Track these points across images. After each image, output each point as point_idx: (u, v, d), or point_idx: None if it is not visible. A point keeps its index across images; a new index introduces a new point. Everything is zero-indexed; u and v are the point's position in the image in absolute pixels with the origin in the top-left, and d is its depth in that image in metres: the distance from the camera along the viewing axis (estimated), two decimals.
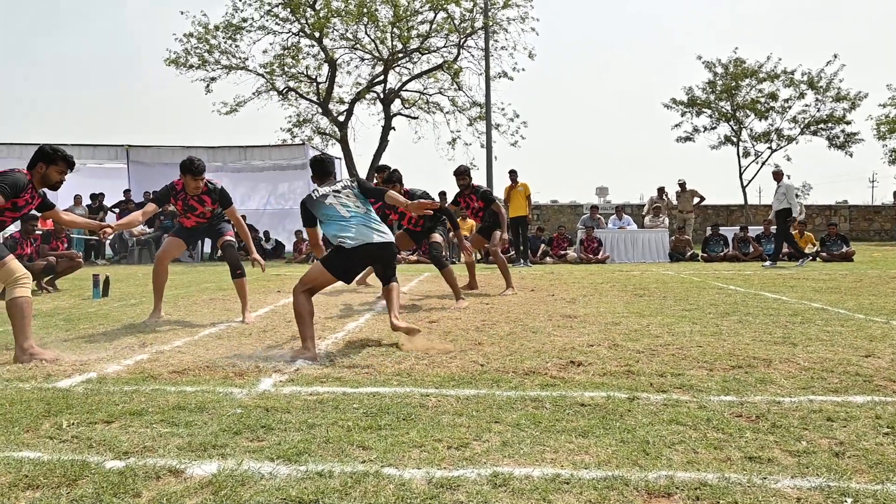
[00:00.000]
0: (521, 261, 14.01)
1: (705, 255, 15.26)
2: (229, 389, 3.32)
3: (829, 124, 26.39)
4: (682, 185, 17.26)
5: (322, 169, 4.87)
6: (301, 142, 21.06)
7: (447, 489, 2.08)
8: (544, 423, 2.70)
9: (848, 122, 26.27)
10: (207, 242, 18.35)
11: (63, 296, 8.22)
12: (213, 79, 21.32)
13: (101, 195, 17.66)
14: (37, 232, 9.20)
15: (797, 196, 15.43)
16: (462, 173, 8.21)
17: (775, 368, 3.68)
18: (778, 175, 13.51)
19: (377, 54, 21.59)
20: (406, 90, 22.63)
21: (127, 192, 17.67)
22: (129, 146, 18.47)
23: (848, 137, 26.48)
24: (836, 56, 25.92)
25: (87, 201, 17.46)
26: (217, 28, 20.82)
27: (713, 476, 2.14)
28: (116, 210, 17.64)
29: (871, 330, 4.94)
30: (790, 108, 26.60)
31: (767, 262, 13.07)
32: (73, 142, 18.44)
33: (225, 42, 21.03)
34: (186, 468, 2.28)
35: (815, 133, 26.74)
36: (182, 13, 21.03)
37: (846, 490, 2.04)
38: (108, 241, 17.31)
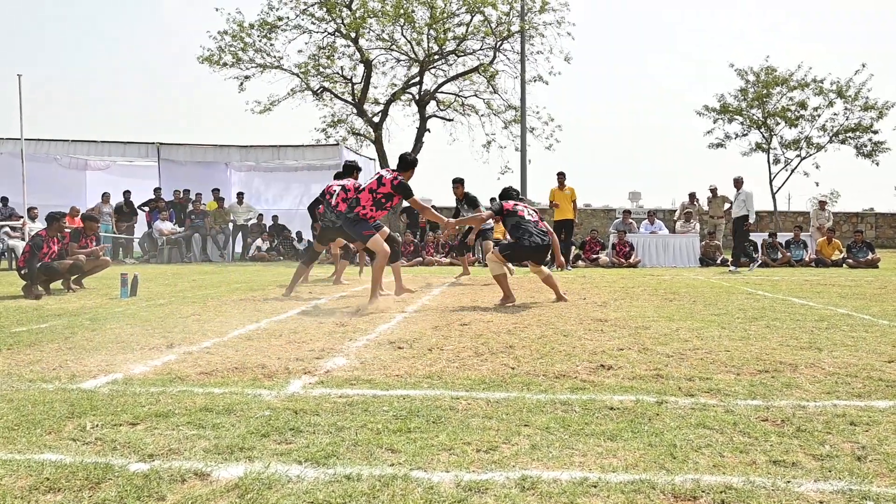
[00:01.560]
0: (566, 265, 13.88)
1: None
2: (258, 391, 3.33)
3: (857, 133, 26.51)
4: (714, 190, 17.17)
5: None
6: (335, 142, 21.00)
7: (475, 492, 2.10)
8: (573, 426, 2.74)
9: (875, 132, 26.44)
10: (238, 242, 18.62)
11: (90, 295, 8.25)
12: (246, 77, 21.21)
13: (128, 192, 17.78)
14: (65, 230, 8.98)
15: (815, 202, 15.53)
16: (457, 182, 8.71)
17: (801, 373, 3.72)
18: (738, 182, 13.82)
19: (413, 55, 21.52)
20: (441, 92, 22.55)
21: (157, 190, 17.78)
22: (160, 144, 18.48)
23: (875, 146, 26.63)
24: (864, 65, 26.16)
25: (117, 199, 17.59)
26: (252, 26, 20.70)
27: (738, 480, 2.19)
28: (146, 209, 17.75)
29: (894, 335, 4.97)
30: (819, 116, 26.77)
31: (732, 268, 13.30)
32: (103, 138, 18.68)
33: (259, 40, 20.90)
34: (212, 471, 2.27)
35: (843, 141, 26.91)
36: (217, 10, 20.80)
37: (867, 493, 2.09)
38: (136, 240, 17.51)
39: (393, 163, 21.10)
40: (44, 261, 8.27)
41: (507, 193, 8.02)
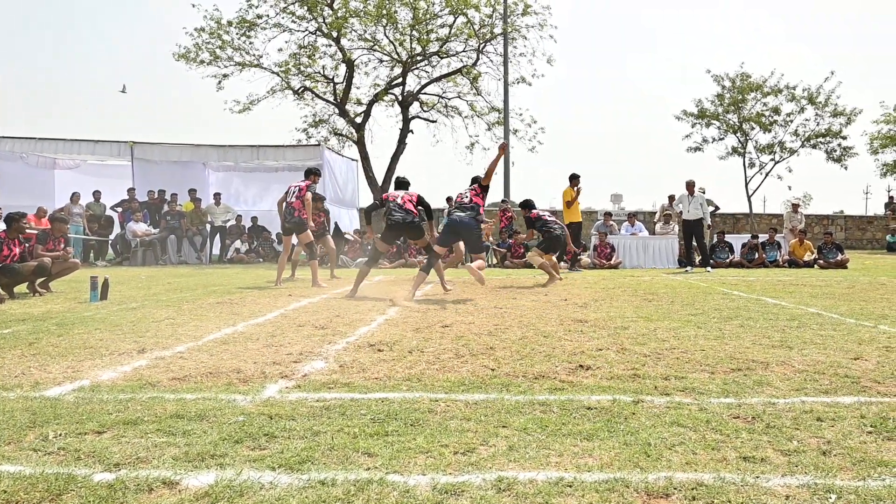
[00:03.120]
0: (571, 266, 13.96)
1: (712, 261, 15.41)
2: (232, 396, 3.27)
3: (827, 138, 27.51)
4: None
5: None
6: (317, 142, 20.86)
7: (451, 495, 2.12)
8: (551, 426, 2.78)
9: (844, 137, 27.42)
10: (217, 244, 18.39)
11: (57, 299, 8.00)
12: (225, 75, 20.86)
13: (98, 193, 17.33)
14: (29, 231, 8.55)
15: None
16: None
17: (772, 371, 3.82)
18: (691, 186, 14.13)
19: (396, 56, 21.41)
20: (424, 93, 22.50)
21: (131, 190, 17.27)
22: (134, 143, 18.04)
23: (844, 151, 27.68)
24: (833, 73, 27.30)
25: (88, 199, 17.12)
26: (230, 24, 20.40)
27: (709, 476, 2.24)
28: (119, 209, 17.23)
29: (860, 334, 5.14)
30: (792, 121, 27.70)
31: (709, 269, 13.72)
32: (73, 137, 18.14)
33: (238, 38, 20.61)
34: (182, 479, 2.22)
35: (814, 146, 27.89)
36: (193, 6, 20.41)
37: (831, 487, 2.16)
38: (110, 241, 17.06)
39: (375, 164, 21.06)
40: (4, 263, 7.96)
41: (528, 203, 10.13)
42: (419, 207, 8.63)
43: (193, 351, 4.52)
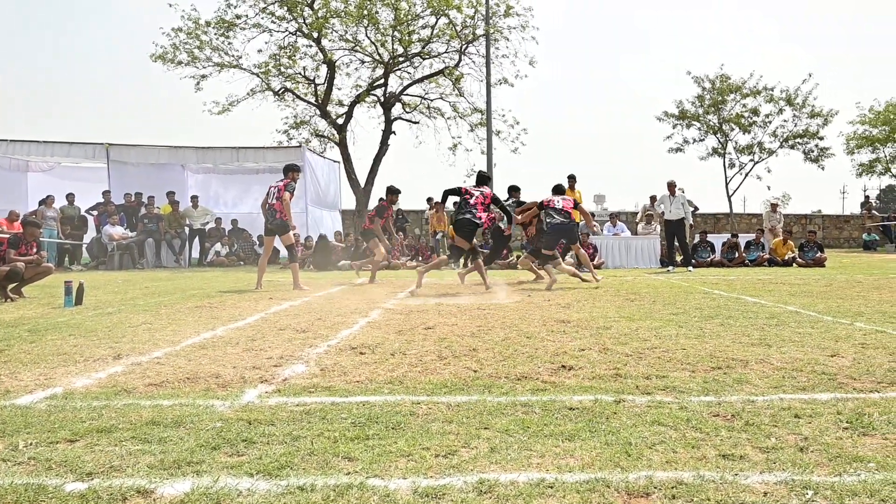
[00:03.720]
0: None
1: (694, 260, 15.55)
2: (210, 402, 3.21)
3: (805, 139, 28.13)
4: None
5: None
6: (298, 144, 20.74)
7: (432, 498, 2.10)
8: (533, 427, 2.78)
9: (821, 138, 28.11)
10: (196, 247, 18.14)
11: (30, 304, 7.86)
12: (203, 76, 20.76)
13: (72, 196, 16.98)
14: (0, 235, 8.40)
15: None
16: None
17: (751, 369, 3.87)
18: (671, 186, 14.32)
19: (377, 57, 21.36)
20: (407, 94, 22.51)
21: (106, 193, 16.94)
22: (110, 144, 17.72)
23: (821, 152, 28.38)
24: (810, 75, 27.88)
25: (61, 202, 16.81)
26: (208, 24, 20.24)
27: (689, 474, 2.25)
28: (94, 212, 16.93)
29: (837, 331, 5.23)
30: (770, 122, 28.30)
31: (691, 268, 13.92)
32: (47, 138, 17.85)
33: (217, 39, 20.47)
34: (157, 488, 2.17)
35: (792, 147, 28.52)
36: (171, 6, 20.20)
37: (808, 483, 2.18)
38: (85, 246, 16.76)
39: (358, 165, 20.99)
40: None
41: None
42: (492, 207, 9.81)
43: (171, 356, 4.44)
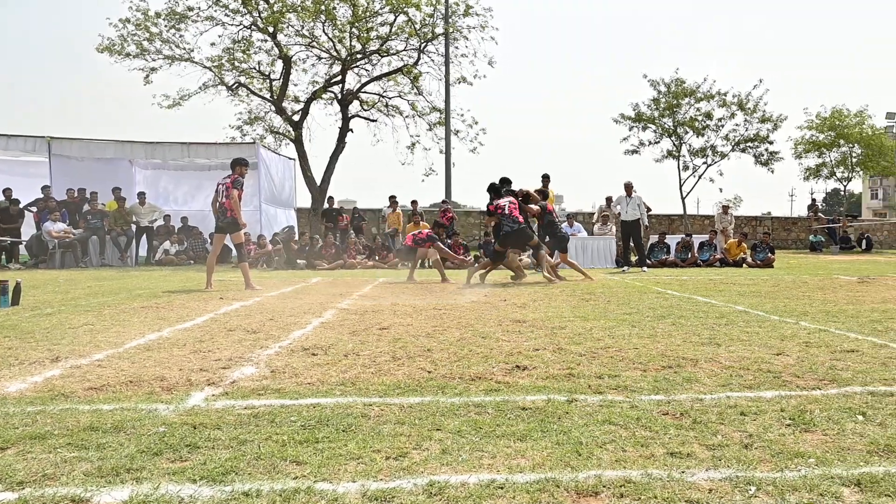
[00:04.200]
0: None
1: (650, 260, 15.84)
2: (154, 406, 3.12)
3: (755, 143, 28.76)
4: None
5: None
6: (252, 140, 20.43)
7: (382, 501, 2.08)
8: (485, 428, 2.77)
9: (771, 142, 28.72)
10: (143, 245, 17.60)
11: None
12: (153, 69, 20.18)
13: (9, 190, 16.08)
14: None
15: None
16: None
17: (700, 368, 3.94)
18: (629, 187, 14.56)
19: (335, 53, 21.12)
20: (365, 92, 22.32)
21: (45, 188, 16.20)
22: (52, 138, 16.92)
23: (771, 155, 28.92)
24: (761, 80, 28.64)
25: None
26: (158, 15, 19.70)
27: (637, 473, 2.28)
28: (34, 209, 16.25)
29: (783, 330, 5.38)
30: (723, 126, 28.80)
31: (645, 269, 14.13)
32: None
33: (167, 31, 19.92)
34: (93, 496, 2.09)
35: (743, 150, 29.06)
36: None
37: (751, 479, 2.23)
38: (23, 244, 15.95)
39: (314, 162, 20.79)
40: None
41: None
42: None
43: (113, 358, 4.29)
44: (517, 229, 10.39)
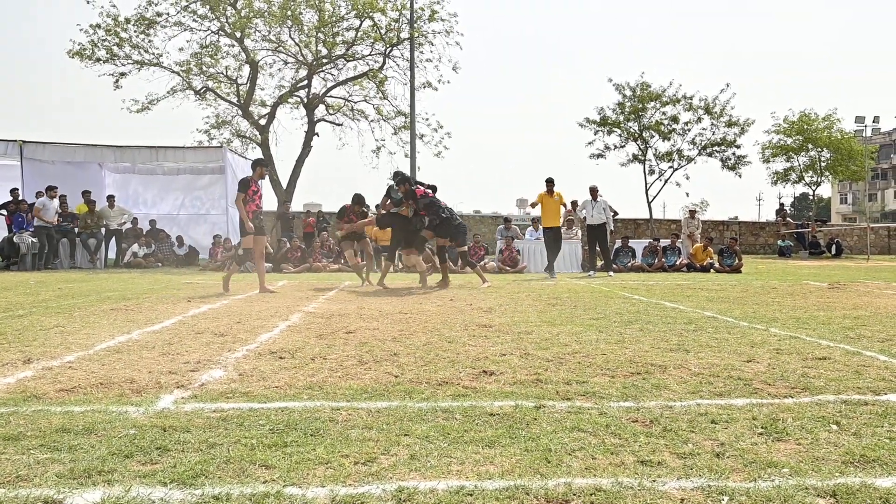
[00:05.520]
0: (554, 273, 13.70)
1: (615, 265, 15.91)
2: (124, 408, 3.13)
3: (722, 147, 28.97)
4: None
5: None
6: (219, 144, 20.56)
7: None
8: (453, 434, 2.74)
9: (738, 146, 28.97)
10: (112, 248, 17.56)
11: None
12: (122, 74, 20.49)
13: None
14: None
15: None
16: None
17: (669, 374, 3.91)
18: (594, 191, 14.72)
19: (301, 58, 21.36)
20: (330, 96, 22.57)
21: (14, 191, 16.42)
22: (24, 142, 17.26)
23: (738, 160, 29.24)
24: (728, 85, 28.75)
25: None
26: (128, 21, 19.97)
27: (608, 481, 2.25)
28: (4, 212, 16.47)
29: (752, 336, 5.34)
30: (689, 130, 29.04)
31: (611, 273, 14.22)
32: None
33: (137, 36, 20.21)
34: (66, 498, 2.11)
35: (710, 154, 29.30)
36: (88, 2, 19.80)
37: (724, 489, 2.20)
38: None
39: (280, 166, 20.70)
40: None
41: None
42: None
43: (83, 360, 4.29)
44: (449, 219, 10.30)
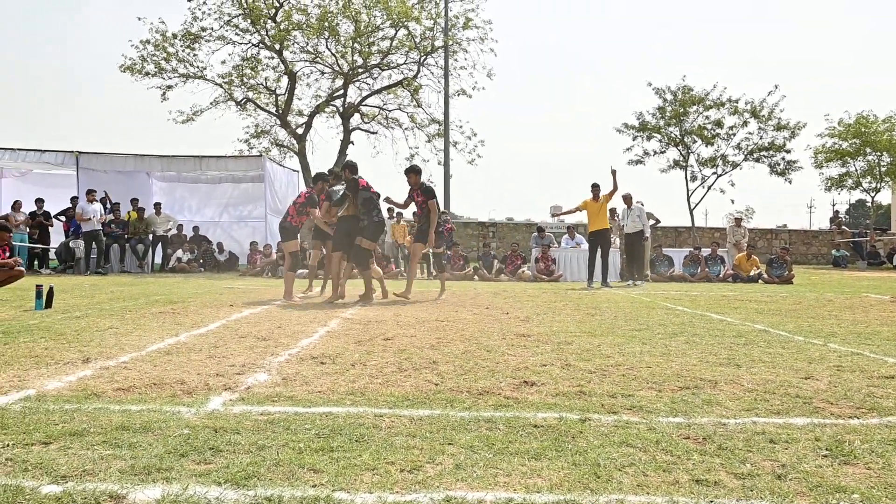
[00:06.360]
0: (607, 280, 13.31)
1: (653, 275, 15.63)
2: (177, 408, 3.22)
3: (771, 152, 27.58)
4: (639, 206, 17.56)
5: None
6: (258, 153, 20.99)
7: None
8: (497, 444, 2.70)
9: (788, 151, 27.56)
10: (158, 253, 18.03)
11: (2, 307, 7.84)
12: (169, 87, 21.14)
13: (41, 201, 17.10)
14: None
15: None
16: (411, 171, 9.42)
17: (721, 390, 3.77)
18: (628, 199, 14.37)
19: (337, 68, 21.64)
20: (365, 105, 22.76)
21: (74, 199, 17.10)
22: (80, 152, 17.92)
23: (788, 165, 27.72)
24: (776, 87, 27.33)
25: (30, 207, 16.86)
26: (175, 36, 20.65)
27: (662, 499, 2.18)
28: (63, 218, 17.21)
29: (809, 352, 5.10)
30: (734, 135, 27.73)
31: (637, 283, 13.72)
32: (19, 146, 17.90)
33: (183, 50, 20.88)
34: (129, 493, 2.17)
35: (757, 160, 27.91)
36: (139, 19, 20.92)
37: None
38: (52, 250, 16.89)
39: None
40: None
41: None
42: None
43: (137, 361, 4.46)
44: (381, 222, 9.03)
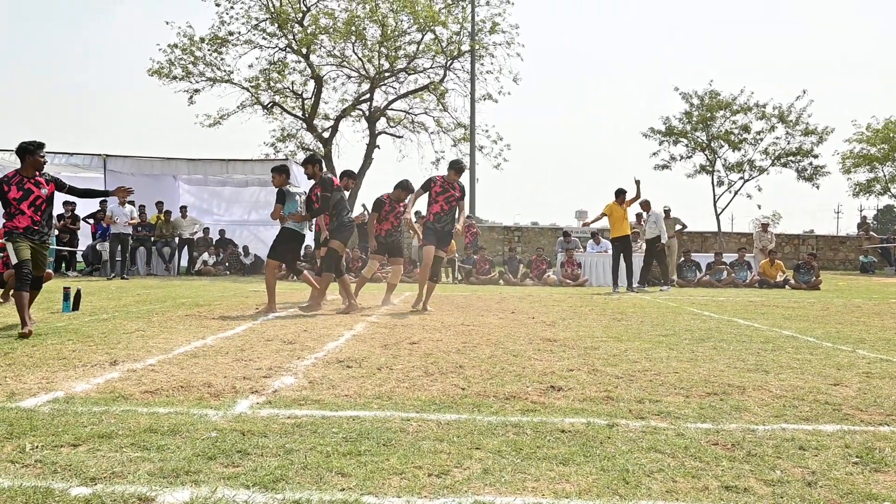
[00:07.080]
0: (633, 285, 13.26)
1: (680, 280, 15.49)
2: (204, 411, 3.24)
3: (798, 157, 27.30)
4: (667, 212, 17.36)
5: None
6: (284, 157, 21.05)
7: None
8: (525, 449, 2.70)
9: (815, 156, 27.27)
10: (184, 256, 18.19)
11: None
12: (196, 90, 21.27)
13: (73, 204, 17.25)
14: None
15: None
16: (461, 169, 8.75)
17: (749, 396, 3.75)
18: (646, 205, 14.15)
19: (364, 72, 21.71)
20: (391, 109, 22.82)
21: (103, 202, 17.09)
22: (108, 156, 18.06)
23: (815, 170, 27.45)
24: (804, 91, 26.90)
25: (58, 210, 16.87)
26: (202, 40, 20.79)
27: None
28: (91, 220, 17.41)
29: (838, 358, 5.05)
30: (762, 140, 27.51)
31: (634, 289, 13.34)
32: (47, 149, 18.07)
33: (210, 54, 21.01)
34: (157, 496, 2.18)
35: (784, 165, 27.66)
36: (167, 23, 20.81)
37: None
38: (80, 253, 17.00)
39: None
40: None
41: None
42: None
43: (164, 363, 4.48)
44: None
